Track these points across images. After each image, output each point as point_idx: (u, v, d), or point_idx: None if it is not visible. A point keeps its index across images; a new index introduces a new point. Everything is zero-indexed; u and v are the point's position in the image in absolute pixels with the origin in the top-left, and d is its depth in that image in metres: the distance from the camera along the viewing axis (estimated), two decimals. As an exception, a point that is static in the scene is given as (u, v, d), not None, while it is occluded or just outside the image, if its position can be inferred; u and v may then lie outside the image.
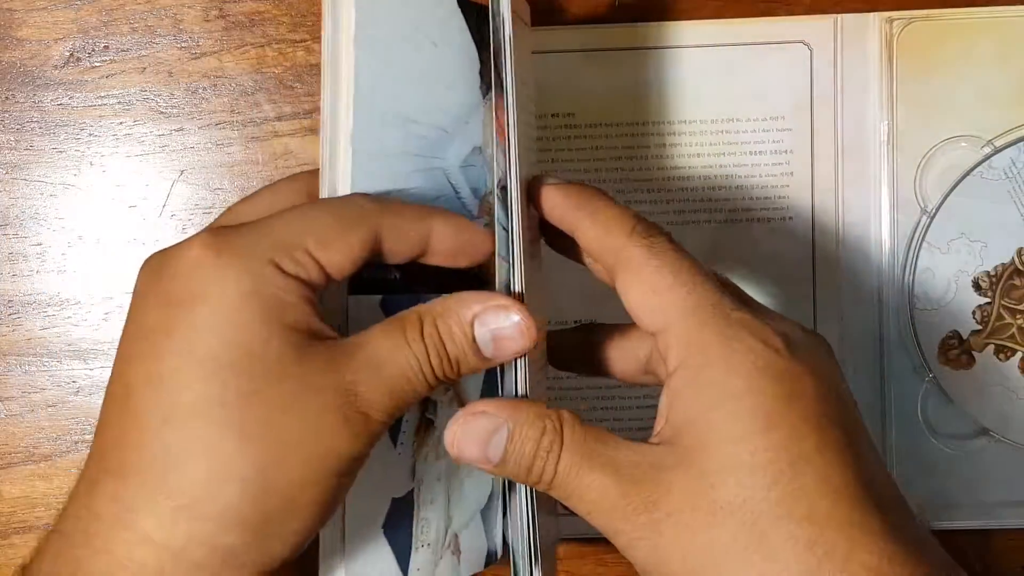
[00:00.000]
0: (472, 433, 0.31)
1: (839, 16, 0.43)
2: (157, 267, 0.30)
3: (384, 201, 0.32)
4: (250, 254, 0.29)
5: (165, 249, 0.30)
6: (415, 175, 0.35)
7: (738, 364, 0.29)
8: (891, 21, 0.43)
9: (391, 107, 0.34)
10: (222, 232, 0.30)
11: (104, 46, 0.44)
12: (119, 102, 0.44)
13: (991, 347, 0.44)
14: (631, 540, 0.29)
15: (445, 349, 0.31)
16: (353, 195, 0.32)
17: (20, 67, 0.44)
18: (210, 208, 0.45)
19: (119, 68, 0.44)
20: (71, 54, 0.44)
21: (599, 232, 0.32)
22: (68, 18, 0.44)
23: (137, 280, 0.30)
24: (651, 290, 0.31)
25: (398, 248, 0.32)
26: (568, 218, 0.33)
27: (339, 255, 0.30)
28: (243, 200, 0.35)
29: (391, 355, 0.30)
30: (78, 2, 0.44)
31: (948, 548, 0.32)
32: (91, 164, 0.44)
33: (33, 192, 0.44)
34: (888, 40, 0.43)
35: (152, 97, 0.45)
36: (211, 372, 0.28)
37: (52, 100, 0.44)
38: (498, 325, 0.31)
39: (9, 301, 0.45)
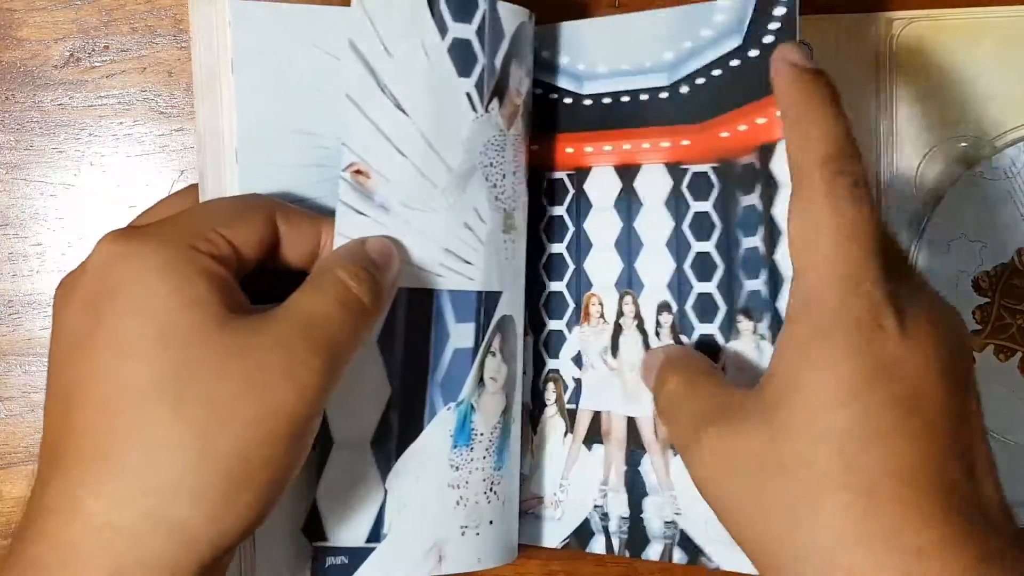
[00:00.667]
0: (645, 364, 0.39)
1: (839, 16, 0.43)
2: (70, 281, 0.31)
3: (276, 198, 0.35)
4: (162, 240, 0.31)
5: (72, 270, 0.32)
6: (320, 185, 0.37)
7: (841, 335, 0.29)
8: (891, 21, 0.43)
9: (283, 122, 0.36)
10: (128, 230, 0.32)
11: (104, 46, 0.44)
12: (119, 102, 0.44)
13: (991, 347, 0.44)
14: (706, 475, 0.32)
15: (367, 273, 0.33)
16: (245, 194, 0.35)
17: (20, 67, 0.44)
18: (210, 208, 0.45)
19: (119, 68, 0.44)
20: (71, 54, 0.44)
21: (797, 144, 0.32)
22: (68, 18, 0.44)
23: (54, 302, 0.32)
24: (811, 227, 0.31)
25: (294, 241, 0.34)
26: (783, 108, 0.33)
27: (243, 232, 0.33)
28: (141, 214, 0.37)
29: (317, 305, 0.32)
30: (78, 2, 0.44)
31: None
32: (91, 164, 0.44)
33: (33, 192, 0.44)
34: (888, 40, 0.43)
35: (152, 97, 0.45)
36: (139, 355, 0.29)
37: (52, 100, 0.44)
38: (378, 247, 0.35)
39: (9, 301, 0.45)
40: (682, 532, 0.39)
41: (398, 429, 0.37)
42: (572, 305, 0.42)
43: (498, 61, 0.38)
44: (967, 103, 0.43)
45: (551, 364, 0.42)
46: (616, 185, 0.41)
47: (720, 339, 0.39)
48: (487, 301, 0.39)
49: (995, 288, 0.44)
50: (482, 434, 0.39)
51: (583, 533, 0.41)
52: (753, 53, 0.38)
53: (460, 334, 0.38)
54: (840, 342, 0.29)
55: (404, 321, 0.37)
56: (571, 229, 0.42)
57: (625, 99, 0.40)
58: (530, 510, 0.42)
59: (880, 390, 0.29)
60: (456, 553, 0.38)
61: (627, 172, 0.41)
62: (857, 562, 0.28)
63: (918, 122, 0.43)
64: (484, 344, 0.38)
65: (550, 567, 0.44)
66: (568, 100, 0.41)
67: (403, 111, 0.36)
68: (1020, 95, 0.43)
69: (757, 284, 0.38)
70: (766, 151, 0.38)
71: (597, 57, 0.41)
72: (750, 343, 0.38)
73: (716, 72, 0.39)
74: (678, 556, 0.39)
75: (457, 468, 0.38)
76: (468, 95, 0.37)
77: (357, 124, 0.36)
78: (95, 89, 0.44)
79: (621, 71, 0.40)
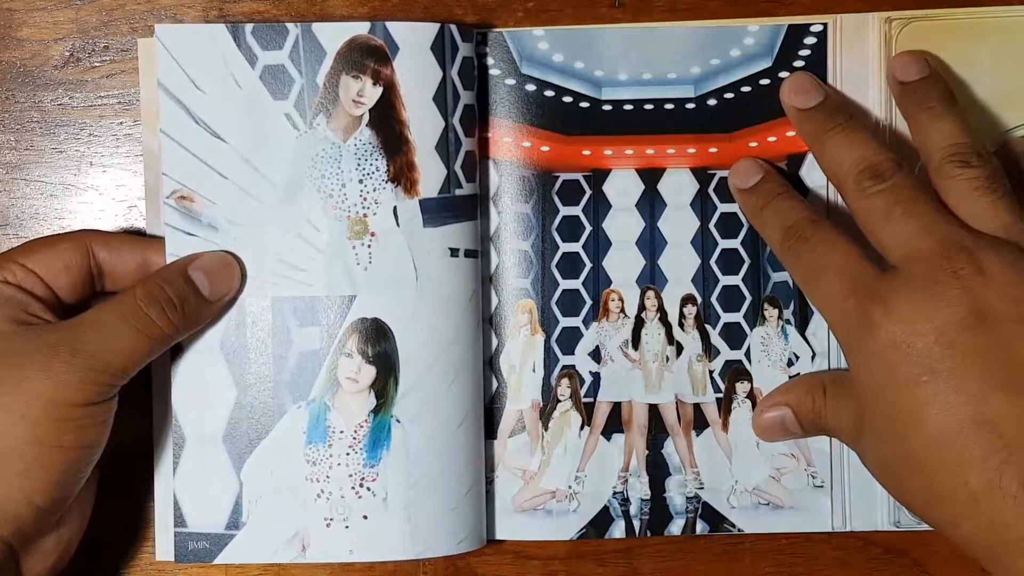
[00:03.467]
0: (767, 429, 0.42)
1: (839, 16, 0.43)
2: None
3: (101, 230, 0.41)
4: None
5: None
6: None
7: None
8: (891, 21, 0.43)
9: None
10: None
11: (104, 46, 0.44)
12: (119, 102, 0.44)
13: (991, 347, 0.44)
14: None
15: (165, 293, 0.38)
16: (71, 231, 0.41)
17: (20, 67, 0.44)
18: (210, 208, 0.45)
19: (119, 68, 0.44)
20: (71, 54, 0.44)
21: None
22: (68, 18, 0.44)
23: None
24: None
25: (116, 266, 0.39)
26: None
27: (44, 260, 0.38)
28: None
29: (99, 317, 0.37)
30: (78, 2, 0.44)
31: (949, 547, 0.32)
32: (91, 164, 0.44)
33: (33, 192, 0.44)
34: (888, 40, 0.43)
35: (152, 97, 0.44)
36: None
37: (52, 100, 0.44)
38: (209, 265, 0.40)
39: (9, 301, 0.45)
40: (705, 504, 0.43)
41: (248, 426, 0.41)
42: (589, 302, 0.44)
43: (320, 79, 0.41)
44: (967, 103, 0.43)
45: (565, 360, 0.44)
46: (638, 187, 0.43)
47: (745, 326, 0.42)
48: (334, 305, 0.41)
49: (995, 288, 0.44)
50: (343, 432, 0.41)
51: (601, 522, 0.43)
52: (783, 75, 0.42)
53: (304, 337, 0.41)
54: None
55: (245, 327, 0.41)
56: (588, 229, 0.44)
57: (649, 107, 0.43)
58: (539, 507, 0.43)
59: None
60: (322, 543, 0.41)
61: (650, 175, 0.43)
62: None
63: (918, 122, 0.43)
64: (336, 345, 0.41)
65: (550, 567, 0.44)
66: (585, 104, 0.43)
67: (220, 138, 0.40)
68: (1020, 95, 0.43)
69: (784, 275, 0.42)
70: (795, 160, 0.42)
71: (617, 65, 0.43)
72: (775, 328, 0.42)
73: (745, 88, 0.43)
74: (700, 527, 0.43)
75: (314, 463, 0.41)
76: (287, 115, 0.41)
77: (175, 154, 0.40)
78: (95, 89, 0.44)
79: (643, 80, 0.43)
